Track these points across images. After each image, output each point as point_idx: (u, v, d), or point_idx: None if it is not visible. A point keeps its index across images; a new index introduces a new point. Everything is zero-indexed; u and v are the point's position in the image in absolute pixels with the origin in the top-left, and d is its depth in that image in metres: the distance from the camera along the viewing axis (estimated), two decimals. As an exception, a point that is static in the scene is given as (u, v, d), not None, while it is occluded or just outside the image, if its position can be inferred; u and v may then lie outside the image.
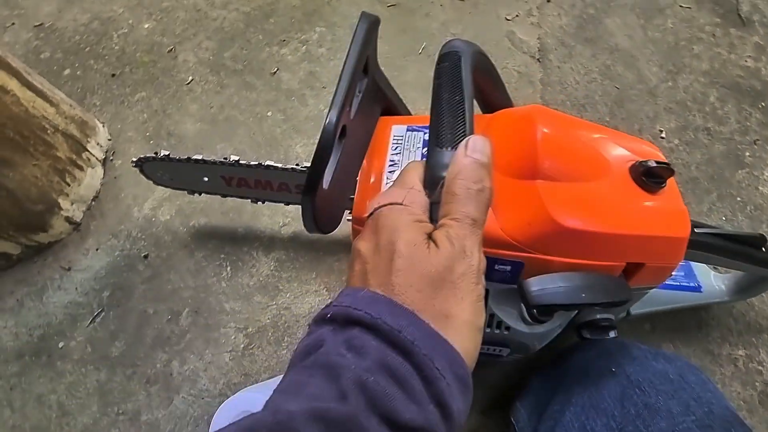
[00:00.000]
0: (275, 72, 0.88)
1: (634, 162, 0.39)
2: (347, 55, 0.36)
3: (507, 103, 0.48)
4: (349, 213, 0.43)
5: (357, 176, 0.44)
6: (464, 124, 0.30)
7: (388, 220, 0.26)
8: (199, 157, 0.60)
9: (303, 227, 0.37)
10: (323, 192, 0.36)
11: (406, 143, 0.45)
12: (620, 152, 0.40)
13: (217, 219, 0.75)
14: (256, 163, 0.59)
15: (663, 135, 0.76)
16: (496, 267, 0.38)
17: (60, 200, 0.73)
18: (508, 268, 0.38)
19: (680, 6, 0.90)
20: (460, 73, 0.33)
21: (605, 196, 0.37)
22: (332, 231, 0.41)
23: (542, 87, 0.83)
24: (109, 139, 0.84)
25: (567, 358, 0.49)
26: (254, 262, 0.71)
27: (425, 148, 0.44)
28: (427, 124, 0.45)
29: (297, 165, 0.58)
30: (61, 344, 0.68)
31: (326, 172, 0.35)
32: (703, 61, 0.83)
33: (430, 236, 0.25)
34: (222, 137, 0.82)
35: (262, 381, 0.63)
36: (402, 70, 0.86)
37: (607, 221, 0.36)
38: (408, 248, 0.24)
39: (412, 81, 0.85)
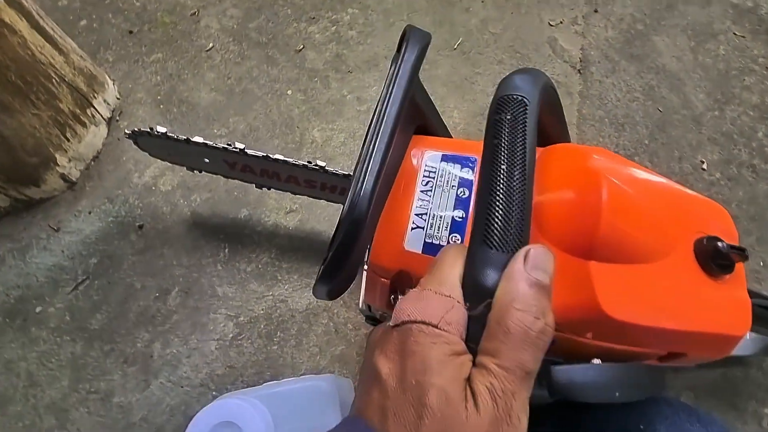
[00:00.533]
0: (300, 49, 0.84)
1: (701, 237, 0.34)
2: (390, 87, 0.29)
3: (564, 136, 0.43)
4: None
5: (379, 216, 0.38)
6: (523, 218, 0.25)
7: (419, 347, 0.22)
8: (199, 140, 0.54)
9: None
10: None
11: (439, 178, 0.39)
12: (687, 221, 0.35)
13: (220, 196, 0.70)
14: (263, 155, 0.54)
15: (704, 166, 0.71)
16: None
17: (57, 155, 0.68)
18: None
19: (734, 33, 0.85)
20: (525, 138, 0.28)
21: (663, 281, 0.32)
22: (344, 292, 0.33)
23: (580, 100, 0.78)
24: (118, 98, 0.79)
25: (588, 405, 0.44)
26: (254, 246, 0.66)
27: (461, 189, 0.38)
28: (466, 154, 0.40)
29: (309, 162, 0.53)
30: (38, 309, 0.63)
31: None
32: (754, 94, 0.78)
33: (468, 381, 0.21)
34: (236, 110, 0.78)
35: (247, 375, 0.58)
36: (433, 64, 0.81)
37: (661, 314, 0.31)
38: (440, 404, 0.20)
39: (443, 77, 0.80)
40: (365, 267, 0.37)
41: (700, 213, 0.36)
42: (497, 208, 0.26)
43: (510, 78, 0.31)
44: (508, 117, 0.29)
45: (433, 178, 0.39)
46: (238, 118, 0.77)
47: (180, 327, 0.62)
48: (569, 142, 0.42)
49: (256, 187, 0.63)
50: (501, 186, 0.26)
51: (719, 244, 0.32)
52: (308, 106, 0.78)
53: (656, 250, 0.34)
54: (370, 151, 0.26)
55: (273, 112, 0.78)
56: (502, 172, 0.27)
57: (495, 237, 0.25)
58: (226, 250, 0.66)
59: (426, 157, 0.41)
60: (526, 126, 0.28)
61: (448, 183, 0.39)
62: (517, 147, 0.28)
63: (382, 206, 0.37)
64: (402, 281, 0.39)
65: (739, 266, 0.34)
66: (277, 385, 0.35)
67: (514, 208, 0.26)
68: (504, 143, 0.28)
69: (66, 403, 0.58)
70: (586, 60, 0.82)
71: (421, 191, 0.39)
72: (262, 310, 0.63)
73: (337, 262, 0.25)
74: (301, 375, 0.59)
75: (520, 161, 0.27)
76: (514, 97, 0.30)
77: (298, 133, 0.75)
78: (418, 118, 0.40)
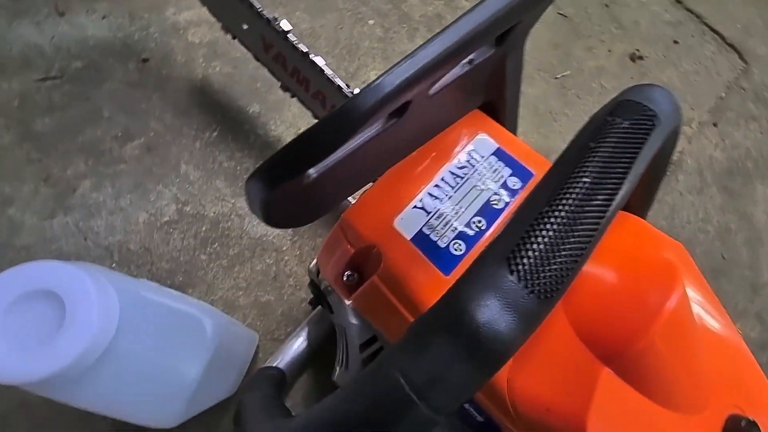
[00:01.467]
0: (406, -10, 0.74)
1: (739, 415, 0.26)
2: None
3: (644, 208, 0.33)
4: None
5: (377, 175, 0.29)
6: (575, 259, 0.17)
7: None
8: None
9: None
10: (302, 181, 0.21)
11: (478, 171, 0.30)
12: (733, 389, 0.27)
13: (242, 78, 0.61)
14: (304, 50, 0.45)
15: (740, 333, 0.62)
16: (467, 407, 0.25)
17: (105, -59, 0.60)
18: (480, 419, 0.25)
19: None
20: (634, 159, 0.19)
21: None
22: (287, 228, 0.24)
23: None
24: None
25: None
26: (245, 146, 0.58)
27: (496, 196, 0.29)
28: (525, 163, 0.31)
29: (347, 86, 0.45)
30: (-6, 78, 0.55)
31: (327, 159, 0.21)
32: (824, 297, 0.68)
33: None
34: (308, 7, 0.68)
35: (157, 267, 0.50)
36: (527, 80, 0.72)
37: None
38: None
39: (530, 97, 0.70)
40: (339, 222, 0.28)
41: (749, 387, 0.28)
42: (549, 224, 0.17)
43: (647, 87, 0.22)
44: (625, 124, 0.20)
45: (472, 167, 0.30)
46: (305, 16, 0.68)
47: (121, 178, 0.53)
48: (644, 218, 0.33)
49: (281, 88, 0.54)
50: (570, 199, 0.17)
51: None
52: (381, 46, 0.69)
53: (683, 402, 0.25)
54: (420, 50, 0.17)
55: (343, 31, 0.68)
56: (580, 183, 0.18)
57: (525, 261, 0.16)
58: (215, 134, 0.58)
59: (476, 140, 0.32)
60: (643, 146, 0.19)
61: (485, 182, 0.30)
62: (618, 165, 0.19)
63: (384, 160, 0.28)
64: (367, 260, 0.30)
65: None
66: (162, 292, 0.27)
67: (572, 238, 0.17)
68: (603, 151, 0.19)
69: (-40, 185, 0.50)
70: (678, 165, 0.72)
71: (450, 173, 0.30)
72: (214, 212, 0.54)
73: (292, 159, 0.16)
74: (210, 300, 0.50)
75: (613, 185, 0.18)
76: (645, 107, 0.20)
77: (355, 65, 0.66)
78: (493, 89, 0.31)
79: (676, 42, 0.80)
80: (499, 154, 0.31)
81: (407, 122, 0.24)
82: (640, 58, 0.78)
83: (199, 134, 0.57)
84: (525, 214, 0.18)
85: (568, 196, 0.18)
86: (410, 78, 0.15)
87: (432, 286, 0.27)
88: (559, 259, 0.16)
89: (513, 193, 0.30)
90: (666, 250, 0.28)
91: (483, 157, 0.31)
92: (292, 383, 0.49)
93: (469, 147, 0.31)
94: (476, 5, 0.20)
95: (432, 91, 0.24)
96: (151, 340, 0.24)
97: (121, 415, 0.24)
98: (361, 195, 0.30)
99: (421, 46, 0.15)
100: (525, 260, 0.16)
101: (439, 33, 0.16)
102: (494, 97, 0.32)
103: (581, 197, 0.18)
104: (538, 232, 0.17)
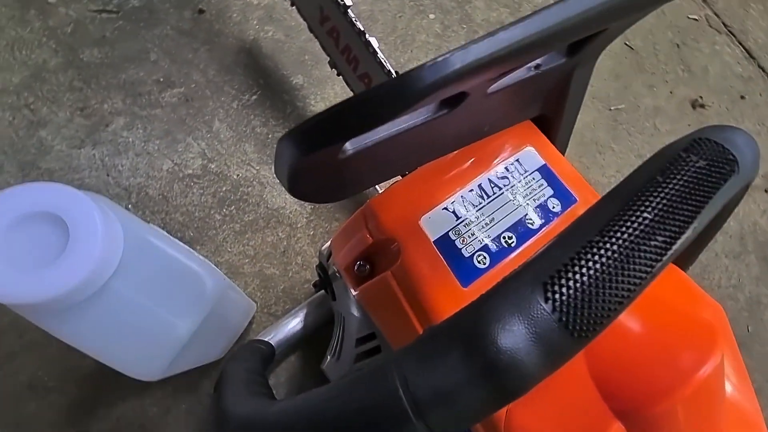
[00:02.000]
0: (474, -9, 0.72)
1: None
2: None
3: (686, 260, 0.31)
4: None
5: (412, 167, 0.28)
6: (621, 298, 0.15)
7: None
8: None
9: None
10: (337, 154, 0.20)
11: (519, 185, 0.28)
12: None
13: (291, 48, 0.60)
14: (361, 29, 0.44)
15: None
16: None
17: None
18: None
19: None
20: (704, 204, 0.17)
21: None
22: (308, 201, 0.23)
23: (683, 254, 0.65)
24: None
25: None
26: (280, 116, 0.57)
27: (532, 216, 0.27)
28: (568, 185, 0.29)
29: (396, 73, 0.43)
30: (52, 1, 0.55)
31: (369, 133, 0.19)
32: None
33: None
34: (372, -9, 0.67)
35: (172, 217, 0.49)
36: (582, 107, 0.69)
37: None
38: None
39: (578, 123, 0.67)
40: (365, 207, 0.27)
41: None
42: (598, 256, 0.15)
43: (730, 129, 0.20)
44: (701, 164, 0.18)
45: (513, 180, 0.28)
46: (367, -2, 0.66)
47: (154, 123, 0.53)
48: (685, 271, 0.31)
49: (329, 64, 0.53)
50: (626, 233, 0.16)
51: None
52: (436, 42, 0.67)
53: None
54: (501, 31, 0.15)
55: (402, 20, 0.67)
56: (641, 218, 0.16)
57: (564, 291, 0.15)
58: (254, 97, 0.57)
59: (523, 152, 0.30)
60: (717, 191, 0.17)
61: (523, 198, 0.28)
62: (687, 206, 0.17)
63: (424, 152, 0.26)
64: (383, 253, 0.29)
65: None
66: (169, 242, 0.26)
67: (622, 276, 0.15)
68: (672, 188, 0.17)
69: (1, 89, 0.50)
70: (725, 226, 0.68)
71: (489, 181, 0.28)
72: (237, 175, 0.53)
73: (335, 124, 0.15)
74: (215, 261, 0.49)
75: (677, 227, 0.16)
76: (725, 150, 0.18)
77: (407, 56, 0.65)
78: (550, 103, 0.29)
79: (743, 97, 0.75)
80: (543, 171, 0.29)
81: (457, 117, 0.23)
82: (702, 106, 0.74)
83: (238, 95, 0.56)
84: (571, 239, 0.16)
85: (624, 229, 0.16)
86: (484, 60, 0.13)
87: (447, 295, 0.25)
88: (604, 297, 0.15)
89: (551, 215, 0.28)
90: (706, 310, 0.25)
91: (526, 171, 0.29)
92: (279, 361, 0.48)
93: (514, 158, 0.29)
94: None
95: (491, 89, 0.22)
96: (149, 287, 0.23)
97: (103, 358, 0.24)
98: (391, 185, 0.29)
99: (502, 27, 0.14)
100: (564, 289, 0.15)
101: (524, 18, 0.14)
102: (551, 111, 0.30)
103: (639, 233, 0.16)
104: (584, 262, 0.15)
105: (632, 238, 0.15)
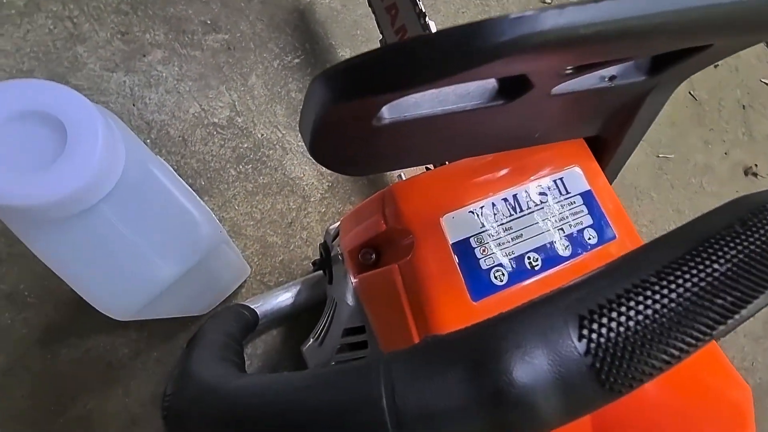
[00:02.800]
0: (550, 3, 0.69)
1: None
2: None
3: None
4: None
5: (446, 158, 0.26)
6: (665, 357, 0.12)
7: None
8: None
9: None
10: (371, 117, 0.17)
11: (557, 206, 0.26)
12: None
13: (345, 19, 0.58)
14: (421, 9, 0.41)
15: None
16: None
17: None
18: None
19: None
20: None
21: None
22: (324, 165, 0.20)
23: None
24: None
25: None
26: (319, 85, 0.55)
27: (563, 243, 0.25)
28: (610, 218, 0.26)
29: None
30: None
31: (415, 95, 0.17)
32: None
33: None
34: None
35: (188, 162, 0.48)
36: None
37: None
38: None
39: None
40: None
41: None
42: (652, 300, 0.13)
43: None
44: None
45: (552, 198, 0.26)
46: (434, -13, 0.64)
47: (191, 64, 0.51)
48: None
49: (380, 42, 0.51)
50: (690, 281, 0.13)
51: None
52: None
53: None
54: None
55: (464, 16, 0.64)
56: (710, 268, 0.13)
57: (604, 331, 0.12)
58: (296, 60, 0.55)
59: (569, 172, 0.27)
60: None
61: (559, 221, 0.25)
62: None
63: (465, 143, 0.23)
64: (394, 245, 0.27)
65: None
66: (173, 179, 0.23)
67: (677, 331, 0.12)
68: (753, 242, 0.14)
69: (38, 6, 0.49)
70: None
71: (526, 193, 0.25)
72: (261, 134, 0.51)
73: (381, 69, 0.12)
74: (220, 216, 0.48)
75: (752, 287, 0.13)
76: None
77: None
78: (613, 125, 0.26)
79: (801, 175, 0.71)
80: (586, 197, 0.26)
81: (511, 113, 0.20)
82: (755, 174, 0.70)
83: (281, 54, 0.54)
84: (622, 272, 0.14)
85: (689, 276, 0.13)
86: (578, 29, 0.10)
87: (453, 305, 0.23)
88: (650, 351, 0.12)
89: (584, 247, 0.25)
90: (736, 390, 0.22)
91: (568, 193, 0.26)
92: (261, 332, 0.47)
93: (558, 175, 0.26)
94: None
95: (556, 89, 0.20)
96: (140, 221, 0.21)
97: (75, 285, 0.22)
98: (418, 174, 0.26)
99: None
100: (604, 330, 0.12)
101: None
102: (610, 133, 0.27)
103: (707, 286, 0.13)
104: (634, 303, 0.13)
105: (697, 289, 0.13)
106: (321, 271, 0.41)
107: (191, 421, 0.17)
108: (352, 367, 0.14)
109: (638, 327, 0.12)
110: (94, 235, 0.21)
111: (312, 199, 0.51)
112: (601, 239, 0.26)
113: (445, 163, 0.28)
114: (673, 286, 0.13)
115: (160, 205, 0.22)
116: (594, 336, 0.12)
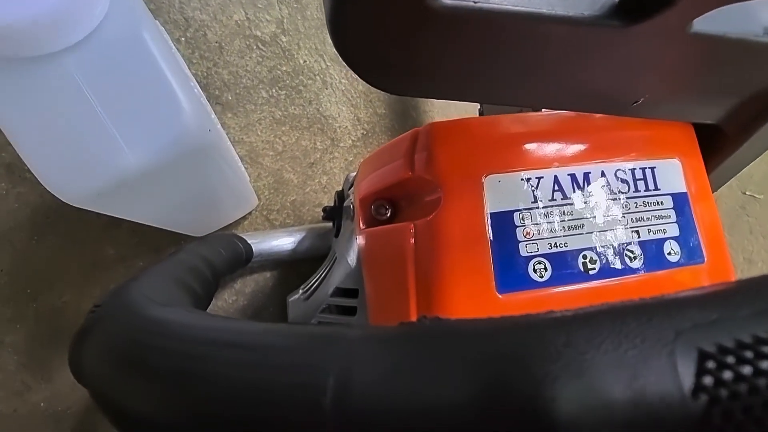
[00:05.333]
0: None
1: None
2: None
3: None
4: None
5: (514, 101, 0.19)
6: None
7: None
8: None
9: None
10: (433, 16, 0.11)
11: (638, 201, 0.20)
12: None
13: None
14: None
15: None
16: None
17: None
18: None
19: None
20: None
21: None
22: (352, 66, 0.14)
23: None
24: None
25: None
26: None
27: (633, 244, 0.19)
28: (701, 237, 0.19)
29: None
30: None
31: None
32: None
33: None
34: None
35: (220, 74, 0.44)
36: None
37: None
38: None
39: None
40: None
41: None
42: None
43: None
44: None
45: (636, 191, 0.19)
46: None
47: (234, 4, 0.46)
48: None
49: None
50: None
51: None
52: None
53: None
54: None
55: None
56: None
57: (732, 376, 0.06)
58: None
59: (665, 162, 0.21)
60: None
61: (635, 221, 0.19)
62: None
63: (569, 72, 0.17)
64: (416, 200, 0.21)
65: None
66: (167, 53, 0.19)
67: None
68: None
69: None
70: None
71: (602, 174, 0.19)
72: (303, 60, 0.46)
73: None
74: (238, 138, 0.44)
75: None
76: None
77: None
78: (743, 115, 0.19)
79: None
80: (679, 201, 0.20)
81: (624, 47, 0.14)
82: None
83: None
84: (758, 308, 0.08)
85: None
86: None
87: (470, 290, 0.17)
88: None
89: (660, 262, 0.19)
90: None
91: (657, 189, 0.20)
92: (254, 270, 0.43)
93: (650, 164, 0.20)
94: None
95: (696, 26, 0.13)
96: (110, 89, 0.17)
97: (23, 153, 0.18)
98: (465, 118, 0.20)
99: None
100: (735, 377, 0.07)
101: None
102: (735, 127, 0.20)
103: None
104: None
105: None
106: (330, 222, 0.36)
107: (92, 342, 0.13)
108: (319, 330, 0.10)
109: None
110: (49, 91, 0.16)
111: (341, 144, 0.46)
112: (685, 259, 0.19)
113: (502, 113, 0.22)
114: None
115: (142, 78, 0.18)
116: (717, 380, 0.07)
